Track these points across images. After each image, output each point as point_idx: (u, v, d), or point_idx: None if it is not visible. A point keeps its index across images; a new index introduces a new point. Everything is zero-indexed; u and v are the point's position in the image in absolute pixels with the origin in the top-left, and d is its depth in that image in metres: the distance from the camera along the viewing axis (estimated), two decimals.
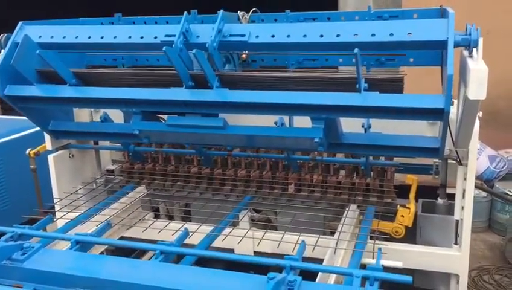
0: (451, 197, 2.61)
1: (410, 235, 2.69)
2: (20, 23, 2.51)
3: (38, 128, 2.96)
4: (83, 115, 3.17)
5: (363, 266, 2.18)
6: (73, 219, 2.65)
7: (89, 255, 2.18)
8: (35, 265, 1.88)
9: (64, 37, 2.44)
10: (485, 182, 5.43)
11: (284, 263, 1.81)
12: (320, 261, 2.23)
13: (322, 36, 2.11)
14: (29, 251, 1.93)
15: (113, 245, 2.58)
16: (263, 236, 2.55)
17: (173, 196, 3.12)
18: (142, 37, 2.32)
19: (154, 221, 2.89)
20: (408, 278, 1.71)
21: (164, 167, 3.17)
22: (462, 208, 2.46)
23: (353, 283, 1.71)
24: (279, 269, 2.07)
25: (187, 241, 2.46)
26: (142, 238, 2.65)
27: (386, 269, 2.34)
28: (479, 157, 5.31)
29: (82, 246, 2.16)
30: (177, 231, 2.54)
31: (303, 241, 2.06)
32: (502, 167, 5.44)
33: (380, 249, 2.09)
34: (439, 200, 2.76)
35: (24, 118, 2.75)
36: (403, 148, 2.42)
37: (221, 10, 2.23)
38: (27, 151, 3.53)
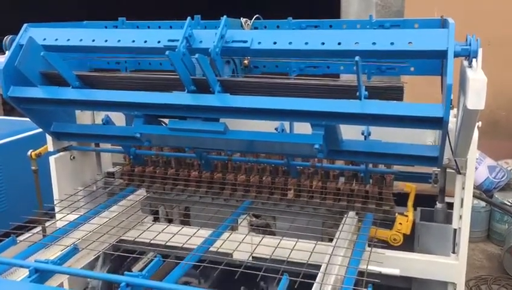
0: (450, 206, 2.62)
1: (409, 243, 2.70)
2: (24, 25, 2.53)
3: (39, 130, 2.98)
4: (84, 117, 3.18)
5: (360, 274, 2.19)
6: (37, 241, 2.40)
7: (44, 287, 1.99)
8: None
9: (69, 39, 2.46)
10: (484, 192, 5.44)
11: None
12: (317, 267, 2.24)
13: (323, 44, 2.13)
14: None
15: (76, 275, 2.35)
16: (260, 241, 2.56)
17: (173, 199, 3.13)
18: (145, 41, 2.34)
19: (153, 224, 2.91)
20: None
21: (164, 170, 3.19)
22: (460, 217, 2.47)
23: None
24: (274, 277, 2.07)
25: (186, 245, 2.48)
26: (140, 241, 2.65)
27: (384, 276, 2.38)
28: (479, 167, 5.33)
29: (41, 275, 1.98)
30: (175, 234, 2.55)
31: (285, 274, 1.98)
32: (502, 178, 5.46)
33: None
34: (438, 205, 2.76)
35: (26, 119, 2.77)
36: (402, 157, 2.43)
37: (225, 16, 2.25)
38: (28, 153, 3.55)
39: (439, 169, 2.69)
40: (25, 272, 2.07)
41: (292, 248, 2.38)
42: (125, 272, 1.96)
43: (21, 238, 2.47)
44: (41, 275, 2.00)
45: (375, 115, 2.06)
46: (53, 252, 2.37)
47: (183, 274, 2.26)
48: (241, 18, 2.78)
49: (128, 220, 2.81)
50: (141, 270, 2.02)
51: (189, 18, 2.29)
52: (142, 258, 3.45)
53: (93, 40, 2.42)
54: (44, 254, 2.35)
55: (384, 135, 2.49)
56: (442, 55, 1.98)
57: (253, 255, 2.55)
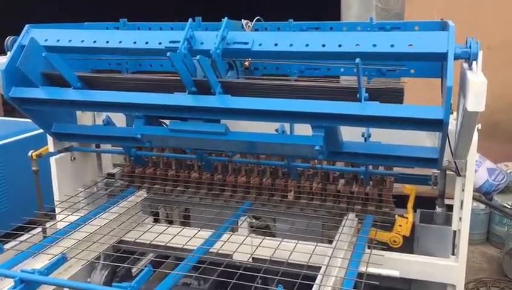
0: (450, 208, 2.63)
1: (408, 245, 2.70)
2: (26, 26, 2.54)
3: (40, 131, 2.98)
4: (85, 118, 3.19)
5: (360, 275, 2.20)
6: (25, 249, 2.31)
7: None
8: None
9: (70, 40, 2.47)
10: (483, 194, 5.44)
11: None
12: (317, 269, 2.25)
13: (324, 46, 2.13)
14: None
15: (63, 286, 2.22)
16: (260, 243, 2.56)
17: (173, 200, 3.13)
18: (147, 43, 2.35)
19: (153, 225, 2.91)
20: None
21: (165, 171, 3.19)
22: (460, 219, 2.47)
23: None
24: (273, 277, 2.06)
25: (186, 246, 2.49)
26: (141, 241, 2.65)
27: (383, 277, 2.38)
28: (478, 170, 5.33)
29: (27, 285, 1.91)
30: (175, 235, 2.56)
31: (280, 286, 1.91)
32: (501, 180, 5.46)
33: None
34: (438, 209, 2.77)
35: (26, 120, 2.78)
36: (402, 158, 2.44)
37: (226, 18, 2.26)
38: (29, 153, 3.56)
39: (438, 171, 2.70)
40: (8, 283, 1.99)
41: (292, 250, 2.39)
42: (114, 284, 1.89)
43: (22, 238, 2.47)
44: (26, 285, 1.93)
45: (376, 117, 2.07)
46: (44, 259, 2.30)
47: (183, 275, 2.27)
48: (242, 20, 2.79)
49: (128, 221, 2.81)
50: (136, 275, 1.97)
51: (190, 20, 2.30)
52: (142, 259, 3.44)
53: (95, 42, 2.43)
54: (35, 260, 2.28)
55: (385, 137, 2.50)
56: (442, 57, 1.99)
57: (253, 256, 2.55)
